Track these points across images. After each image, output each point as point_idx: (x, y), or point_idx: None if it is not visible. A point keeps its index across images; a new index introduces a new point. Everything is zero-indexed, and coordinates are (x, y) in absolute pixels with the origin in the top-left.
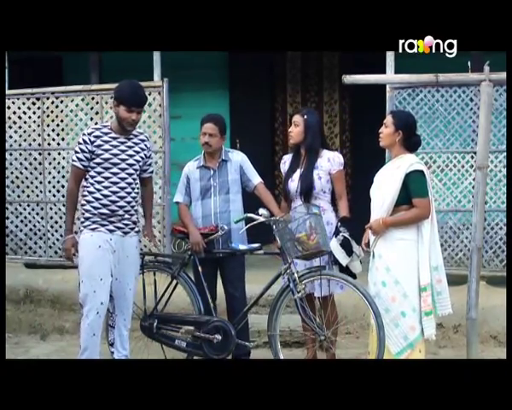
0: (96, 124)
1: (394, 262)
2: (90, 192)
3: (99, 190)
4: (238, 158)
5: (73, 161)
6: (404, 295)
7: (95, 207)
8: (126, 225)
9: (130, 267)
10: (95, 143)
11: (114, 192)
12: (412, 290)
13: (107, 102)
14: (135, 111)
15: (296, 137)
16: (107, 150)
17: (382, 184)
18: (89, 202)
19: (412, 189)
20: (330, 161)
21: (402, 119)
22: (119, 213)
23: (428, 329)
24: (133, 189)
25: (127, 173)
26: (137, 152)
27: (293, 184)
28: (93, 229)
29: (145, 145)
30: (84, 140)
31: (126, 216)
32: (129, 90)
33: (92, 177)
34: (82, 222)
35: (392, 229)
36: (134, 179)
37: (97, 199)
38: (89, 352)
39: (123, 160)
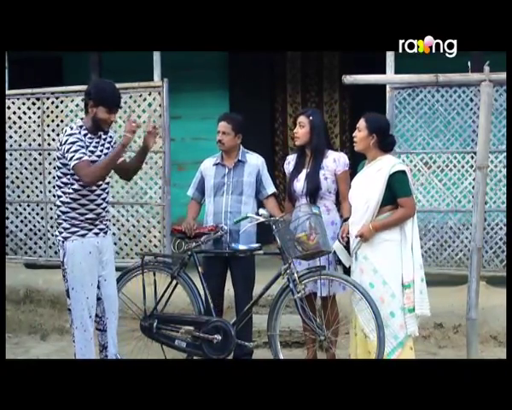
0: (71, 125)
1: (381, 263)
2: (75, 199)
3: (84, 196)
4: (258, 162)
5: (81, 158)
6: (392, 295)
7: (81, 214)
8: (106, 225)
9: (113, 266)
10: (85, 142)
11: (99, 195)
12: (398, 290)
13: None
14: (114, 112)
15: (302, 138)
16: (92, 152)
17: (364, 188)
18: (74, 209)
19: (396, 189)
20: (336, 162)
21: (374, 122)
22: (102, 214)
23: (411, 325)
24: (109, 186)
25: None
26: (108, 148)
27: (299, 184)
28: (82, 235)
29: (110, 137)
30: (79, 138)
31: (105, 215)
32: (109, 91)
33: (78, 180)
34: (67, 229)
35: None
36: (109, 177)
37: (83, 205)
38: (87, 357)
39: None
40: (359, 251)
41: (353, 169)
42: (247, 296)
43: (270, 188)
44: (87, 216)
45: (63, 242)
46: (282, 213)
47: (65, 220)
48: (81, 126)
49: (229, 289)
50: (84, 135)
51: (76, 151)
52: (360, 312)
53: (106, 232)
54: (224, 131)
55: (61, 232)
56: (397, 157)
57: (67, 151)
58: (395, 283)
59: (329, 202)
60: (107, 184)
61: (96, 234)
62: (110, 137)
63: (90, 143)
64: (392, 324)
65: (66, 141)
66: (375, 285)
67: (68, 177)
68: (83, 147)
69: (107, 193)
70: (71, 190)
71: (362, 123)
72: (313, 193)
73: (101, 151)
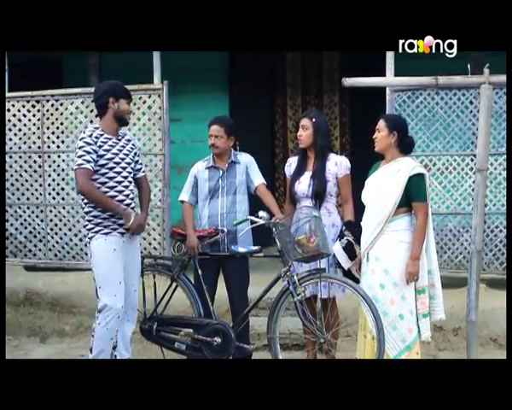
0: (87, 128)
1: (393, 265)
2: None
3: (105, 193)
4: (246, 159)
5: (81, 164)
6: (403, 297)
7: (104, 211)
8: None
9: (135, 268)
10: (97, 143)
11: (120, 191)
12: (410, 293)
13: None
14: (130, 103)
15: (306, 141)
16: (108, 150)
17: (382, 187)
18: (95, 206)
19: (413, 192)
20: (337, 165)
21: (394, 120)
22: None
23: (425, 331)
24: (133, 187)
25: (128, 172)
26: (129, 152)
27: (301, 186)
28: (106, 233)
29: (133, 145)
30: (87, 142)
31: None
32: (121, 85)
33: (96, 179)
34: (91, 228)
35: (391, 232)
36: (133, 178)
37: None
38: (104, 355)
39: (122, 159)
40: (371, 251)
41: (354, 172)
42: (242, 297)
43: (256, 179)
44: (110, 213)
45: (89, 243)
46: (282, 215)
47: (89, 221)
48: (97, 128)
49: (226, 292)
50: (101, 134)
51: (82, 156)
52: (369, 313)
53: (132, 233)
54: (217, 134)
55: (87, 234)
56: None
57: (77, 152)
58: (406, 285)
59: (331, 204)
60: (130, 183)
61: (122, 234)
62: (133, 145)
63: (105, 142)
64: (400, 326)
65: (77, 145)
66: (386, 286)
67: None
68: (94, 152)
69: (132, 191)
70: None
71: (381, 123)
72: (320, 194)
73: (120, 151)
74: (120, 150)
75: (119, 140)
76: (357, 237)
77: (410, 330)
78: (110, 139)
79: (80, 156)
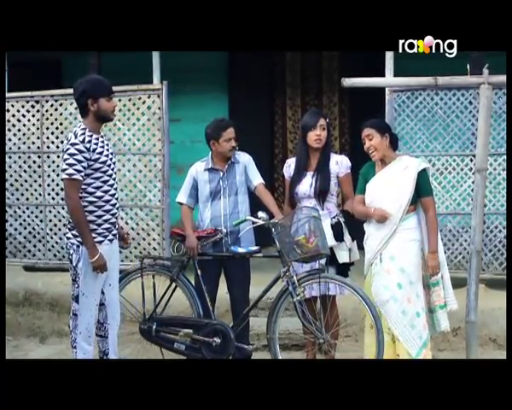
0: (76, 130)
1: (408, 263)
2: (91, 202)
3: (101, 198)
4: (245, 159)
5: (71, 174)
6: (417, 294)
7: (98, 217)
8: (117, 229)
9: (117, 271)
10: (91, 149)
11: (113, 195)
12: (421, 289)
13: None
14: (112, 98)
15: (324, 141)
16: (101, 152)
17: (391, 187)
18: (91, 212)
19: (422, 187)
20: (338, 164)
21: (379, 123)
22: (116, 215)
23: (444, 322)
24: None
25: (115, 172)
26: (112, 151)
27: (303, 187)
28: (99, 242)
29: (106, 138)
30: (79, 150)
31: (117, 218)
32: (101, 82)
33: (90, 184)
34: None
35: (404, 230)
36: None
37: (100, 207)
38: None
39: (111, 159)
40: (384, 252)
41: (353, 172)
42: (243, 298)
43: (255, 179)
44: (104, 218)
45: (78, 246)
46: (281, 215)
47: None
48: (84, 128)
49: (226, 292)
50: (90, 136)
51: (73, 165)
52: (388, 314)
53: (116, 237)
54: (235, 137)
55: (75, 236)
56: None
57: (64, 160)
58: (419, 283)
59: (331, 204)
60: (114, 180)
61: (110, 241)
62: (107, 139)
63: (97, 143)
64: (417, 324)
65: (67, 150)
66: (404, 286)
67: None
68: (86, 160)
69: (116, 190)
70: (86, 194)
71: (370, 131)
72: (323, 193)
73: (108, 150)
74: (108, 150)
75: (103, 137)
76: (357, 235)
77: (425, 326)
78: (98, 139)
79: (71, 165)
